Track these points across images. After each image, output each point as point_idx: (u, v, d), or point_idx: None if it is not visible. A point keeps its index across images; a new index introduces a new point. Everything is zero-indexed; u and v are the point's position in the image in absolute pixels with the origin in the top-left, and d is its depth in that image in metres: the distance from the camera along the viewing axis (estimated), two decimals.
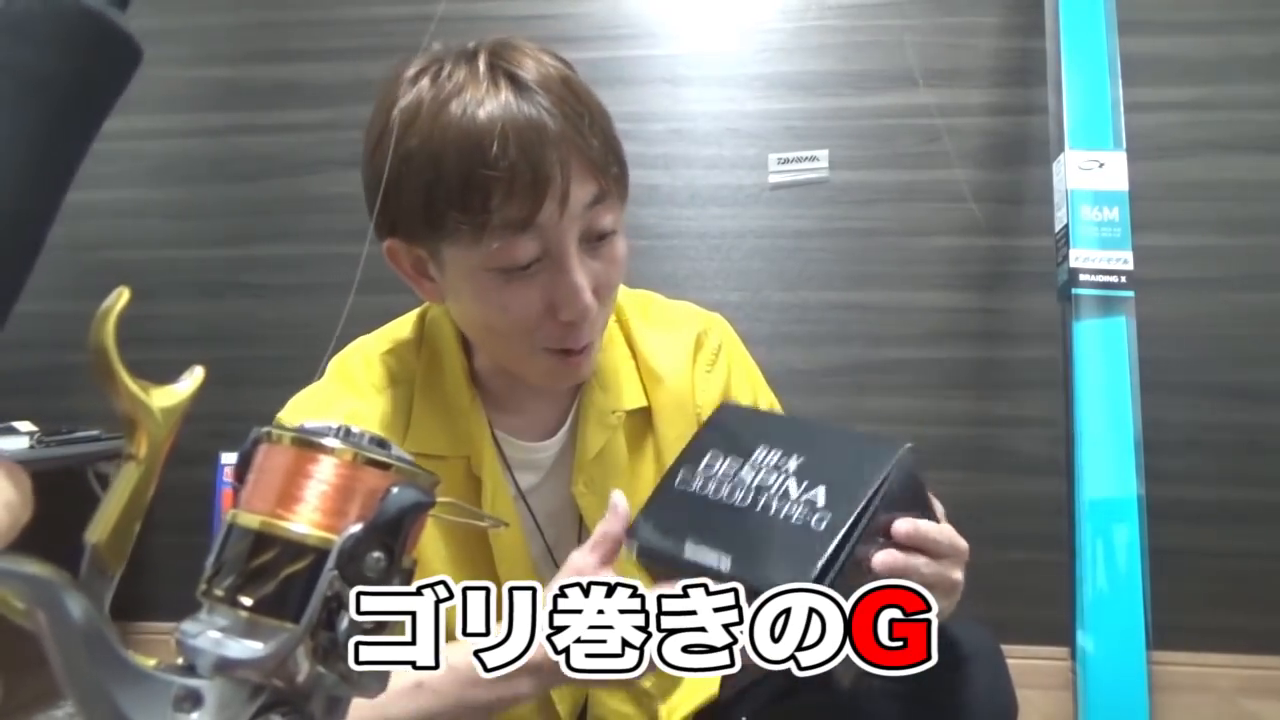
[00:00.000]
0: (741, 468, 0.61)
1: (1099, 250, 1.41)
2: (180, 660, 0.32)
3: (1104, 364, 1.38)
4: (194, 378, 0.34)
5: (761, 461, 0.61)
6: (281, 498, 0.34)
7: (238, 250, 1.86)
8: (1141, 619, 1.30)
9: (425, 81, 0.67)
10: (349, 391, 0.78)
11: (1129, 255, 1.40)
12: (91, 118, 0.30)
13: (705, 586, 0.43)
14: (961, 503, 1.72)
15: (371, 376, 0.79)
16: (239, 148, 1.86)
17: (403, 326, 0.83)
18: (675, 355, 0.85)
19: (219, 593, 0.33)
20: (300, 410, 0.76)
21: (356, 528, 0.33)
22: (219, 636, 0.32)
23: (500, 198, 0.64)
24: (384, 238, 0.73)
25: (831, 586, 0.51)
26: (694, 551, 0.58)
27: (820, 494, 0.57)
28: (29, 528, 0.30)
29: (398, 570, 0.34)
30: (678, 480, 0.63)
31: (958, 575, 0.61)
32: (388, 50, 1.80)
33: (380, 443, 0.36)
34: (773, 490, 0.59)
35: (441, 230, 0.67)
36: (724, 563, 0.56)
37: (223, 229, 1.86)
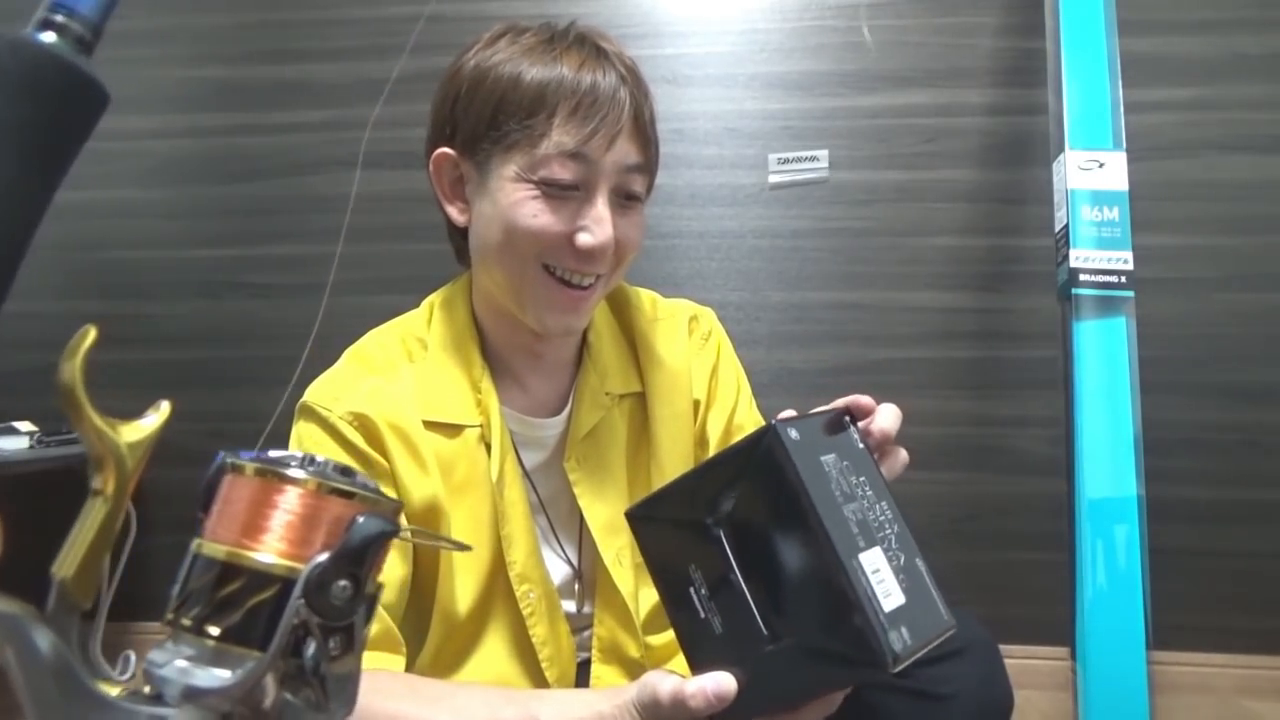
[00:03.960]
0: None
1: (1099, 250, 1.41)
2: (147, 689, 0.33)
3: (1104, 364, 1.37)
4: (160, 413, 0.35)
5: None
6: (247, 528, 0.34)
7: (237, 250, 1.86)
8: (1141, 619, 1.30)
9: (507, 38, 0.77)
10: (369, 371, 0.81)
11: (1129, 255, 1.40)
12: (61, 160, 0.30)
13: None
14: (961, 503, 1.74)
15: (389, 356, 0.83)
16: (239, 148, 1.86)
17: (413, 314, 0.88)
18: (672, 338, 0.90)
19: (186, 622, 0.34)
20: (324, 394, 0.79)
21: (323, 557, 0.33)
22: (186, 665, 0.33)
23: (562, 117, 0.72)
24: (435, 149, 0.79)
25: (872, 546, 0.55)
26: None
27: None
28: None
29: (363, 598, 0.35)
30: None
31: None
32: (388, 50, 1.80)
33: (344, 471, 0.36)
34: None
35: (499, 136, 0.74)
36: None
37: (222, 229, 1.86)
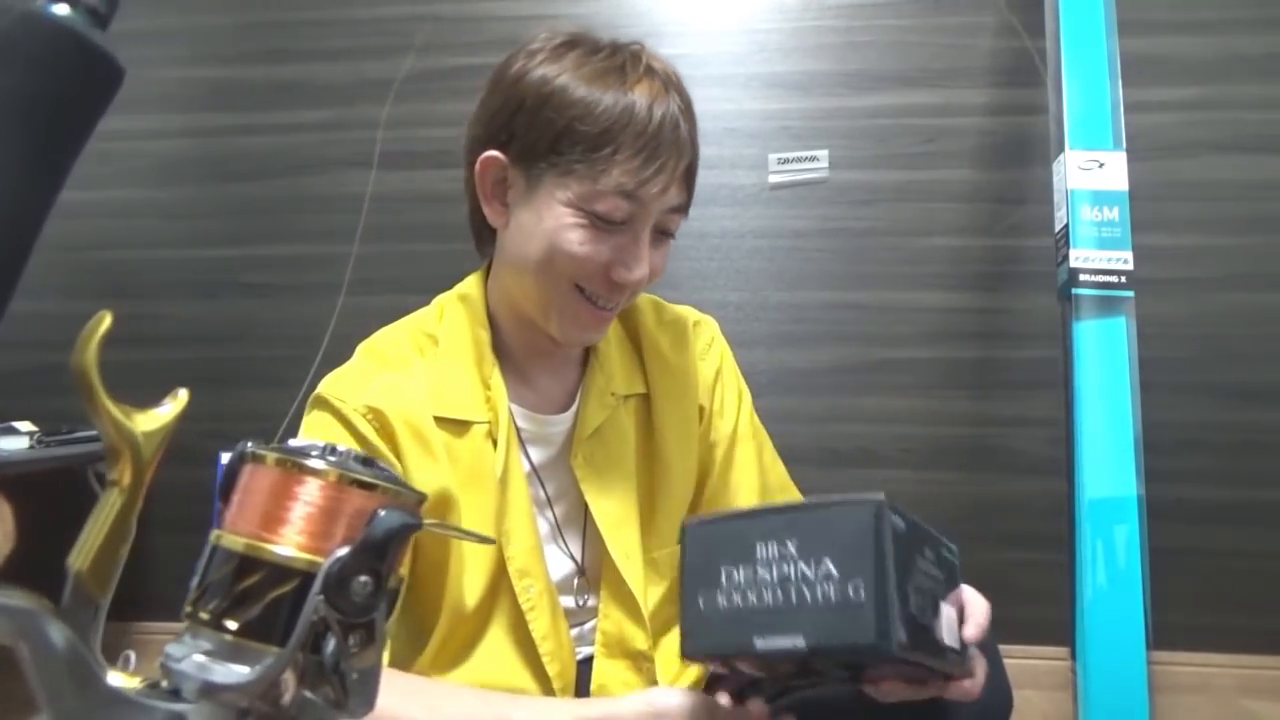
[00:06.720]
0: (755, 570, 0.63)
1: (1099, 250, 1.41)
2: (165, 684, 0.32)
3: (1104, 364, 1.37)
4: (177, 401, 0.34)
5: (767, 558, 0.63)
6: (266, 519, 0.34)
7: (236, 250, 1.86)
8: (1141, 619, 1.30)
9: (575, 55, 0.76)
10: (383, 367, 0.82)
11: (1129, 255, 1.40)
12: (74, 138, 0.29)
13: None
14: (962, 503, 1.74)
15: (401, 351, 0.83)
16: (238, 148, 1.86)
17: (425, 311, 0.88)
18: (678, 343, 0.92)
19: (204, 615, 0.33)
20: (339, 387, 0.80)
21: (343, 551, 0.33)
22: (204, 660, 0.32)
23: (625, 156, 0.73)
24: (485, 150, 0.78)
25: (909, 631, 0.55)
26: (766, 643, 0.60)
27: (830, 565, 0.60)
28: (28, 530, 0.29)
29: (384, 593, 0.34)
30: (703, 605, 0.65)
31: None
32: (388, 50, 1.80)
33: (365, 461, 0.36)
34: (792, 578, 0.61)
35: (559, 160, 0.74)
36: (798, 642, 0.59)
37: (221, 229, 1.86)
